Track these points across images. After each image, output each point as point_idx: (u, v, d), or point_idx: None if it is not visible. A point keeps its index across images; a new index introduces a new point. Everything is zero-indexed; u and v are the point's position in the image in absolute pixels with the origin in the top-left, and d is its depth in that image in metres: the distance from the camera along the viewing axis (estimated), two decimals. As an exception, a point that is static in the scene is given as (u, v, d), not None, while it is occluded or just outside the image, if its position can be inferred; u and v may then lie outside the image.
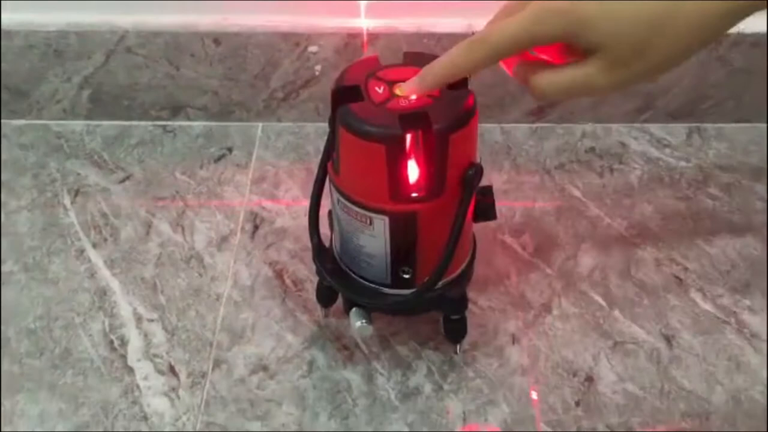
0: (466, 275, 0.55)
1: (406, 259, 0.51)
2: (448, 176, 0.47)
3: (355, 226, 0.50)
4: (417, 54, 0.50)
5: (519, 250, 0.67)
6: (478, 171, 0.48)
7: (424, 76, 0.44)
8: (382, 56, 0.74)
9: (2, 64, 0.75)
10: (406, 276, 0.52)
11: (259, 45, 0.73)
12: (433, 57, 0.49)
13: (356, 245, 0.51)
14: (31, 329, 0.61)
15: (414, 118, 0.45)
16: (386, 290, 0.53)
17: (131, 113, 0.79)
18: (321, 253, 0.54)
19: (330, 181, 0.51)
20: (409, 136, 0.45)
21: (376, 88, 0.47)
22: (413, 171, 0.47)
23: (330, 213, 0.55)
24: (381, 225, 0.49)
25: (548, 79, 0.43)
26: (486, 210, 0.53)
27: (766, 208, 0.69)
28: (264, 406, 0.56)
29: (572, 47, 0.42)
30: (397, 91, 0.47)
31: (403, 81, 0.47)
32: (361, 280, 0.53)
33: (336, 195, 0.51)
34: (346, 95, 0.47)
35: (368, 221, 0.49)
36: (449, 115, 0.46)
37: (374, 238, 0.50)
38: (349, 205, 0.49)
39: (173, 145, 0.78)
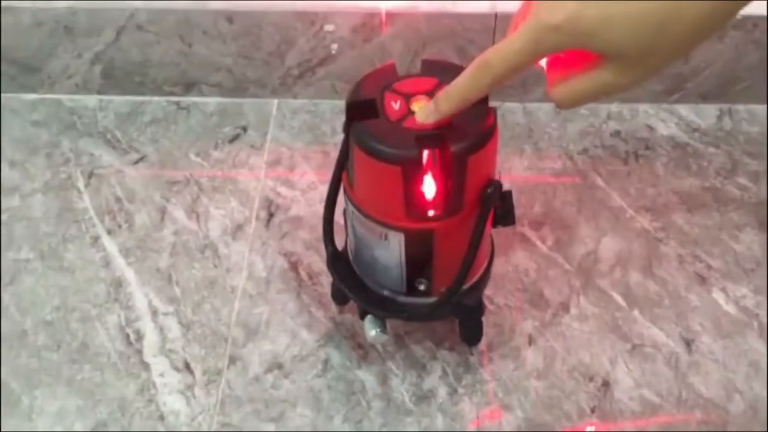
0: (482, 282, 0.54)
1: (422, 272, 0.50)
2: (466, 194, 0.46)
3: (369, 239, 0.49)
4: (435, 62, 0.48)
5: (538, 244, 0.65)
6: (497, 188, 0.47)
7: (439, 104, 0.42)
8: (402, 36, 0.72)
9: (9, 40, 0.73)
10: (422, 287, 0.51)
11: (273, 23, 0.71)
12: (452, 66, 0.48)
13: (371, 255, 0.50)
14: (49, 321, 0.61)
15: (431, 138, 0.43)
16: (401, 299, 0.52)
17: (144, 89, 0.77)
18: (336, 261, 0.53)
19: (344, 191, 0.50)
20: (425, 158, 0.43)
21: (393, 103, 0.45)
22: (430, 191, 0.45)
23: (345, 212, 0.53)
24: (396, 240, 0.48)
25: (565, 89, 0.41)
26: (505, 215, 0.52)
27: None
28: (279, 407, 0.56)
29: None
30: (414, 107, 0.45)
31: (421, 94, 0.45)
32: (376, 287, 0.53)
33: (350, 206, 0.49)
34: (361, 110, 0.45)
35: (383, 236, 0.48)
36: (468, 136, 0.44)
37: (389, 252, 0.49)
38: (363, 218, 0.48)
39: (187, 123, 0.76)
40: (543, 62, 0.43)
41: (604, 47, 0.37)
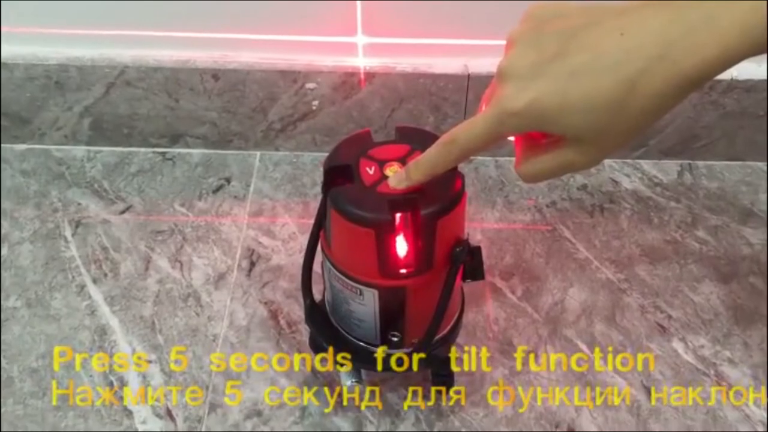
0: (453, 333, 0.57)
1: (395, 326, 0.53)
2: (436, 254, 0.49)
3: (345, 293, 0.52)
4: (409, 129, 0.51)
5: (508, 294, 0.68)
6: (465, 248, 0.50)
7: (410, 173, 0.46)
8: (379, 94, 0.76)
9: (3, 93, 0.76)
10: (395, 339, 0.54)
11: (257, 81, 0.74)
12: (425, 133, 0.51)
13: (347, 309, 0.53)
14: (34, 368, 0.63)
15: (403, 203, 0.46)
16: (376, 351, 0.55)
17: (131, 140, 0.80)
18: (313, 313, 0.56)
19: (322, 249, 0.53)
20: (398, 221, 0.46)
21: (367, 169, 0.49)
22: (402, 251, 0.48)
23: (323, 266, 0.56)
24: (371, 296, 0.50)
25: (530, 167, 0.45)
26: (474, 271, 0.54)
27: None
28: (257, 454, 0.58)
29: None
30: (388, 173, 0.48)
31: (394, 160, 0.49)
32: (352, 339, 0.55)
33: (327, 263, 0.52)
34: (338, 175, 0.48)
35: (358, 292, 0.51)
36: (437, 199, 0.47)
37: (364, 306, 0.52)
38: (339, 275, 0.51)
39: (172, 174, 0.79)
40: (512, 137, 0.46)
41: (563, 130, 0.41)
